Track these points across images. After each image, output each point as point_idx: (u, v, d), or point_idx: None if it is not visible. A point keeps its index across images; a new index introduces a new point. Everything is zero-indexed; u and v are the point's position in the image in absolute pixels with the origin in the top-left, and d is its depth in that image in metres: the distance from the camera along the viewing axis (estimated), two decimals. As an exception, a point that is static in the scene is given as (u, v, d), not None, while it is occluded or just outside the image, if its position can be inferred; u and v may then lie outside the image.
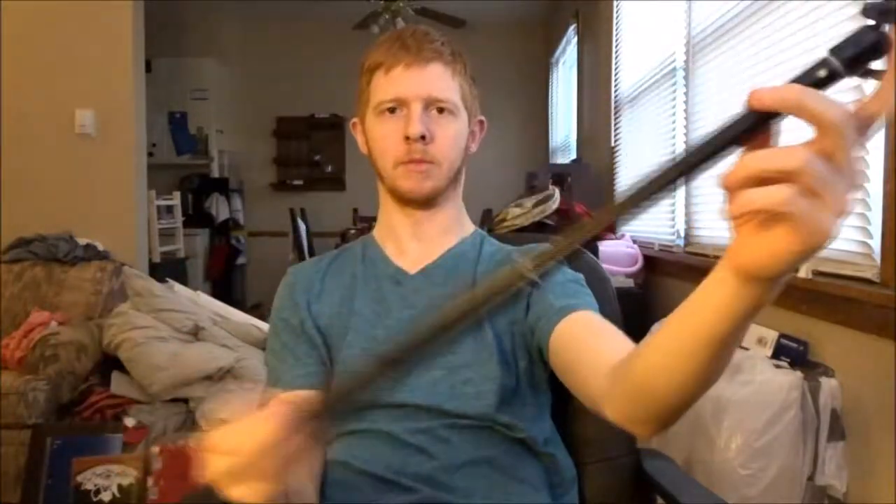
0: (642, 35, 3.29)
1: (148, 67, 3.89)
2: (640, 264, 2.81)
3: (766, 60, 1.86)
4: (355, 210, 5.82)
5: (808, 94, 0.39)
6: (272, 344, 0.97)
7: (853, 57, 0.40)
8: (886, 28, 0.39)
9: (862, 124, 0.40)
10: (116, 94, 3.33)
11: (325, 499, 0.85)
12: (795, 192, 0.39)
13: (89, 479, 2.11)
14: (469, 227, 1.03)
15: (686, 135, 2.62)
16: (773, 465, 1.41)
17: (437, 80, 0.92)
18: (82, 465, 2.13)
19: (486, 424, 0.87)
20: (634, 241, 2.93)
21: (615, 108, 3.74)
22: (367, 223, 4.90)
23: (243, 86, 6.51)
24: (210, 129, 6.15)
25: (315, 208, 6.14)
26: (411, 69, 0.91)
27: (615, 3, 3.71)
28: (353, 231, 4.95)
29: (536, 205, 2.86)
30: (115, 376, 2.45)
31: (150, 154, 3.78)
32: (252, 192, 6.65)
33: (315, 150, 6.66)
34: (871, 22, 0.39)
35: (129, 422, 2.29)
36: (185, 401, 2.41)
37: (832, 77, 0.40)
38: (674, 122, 2.73)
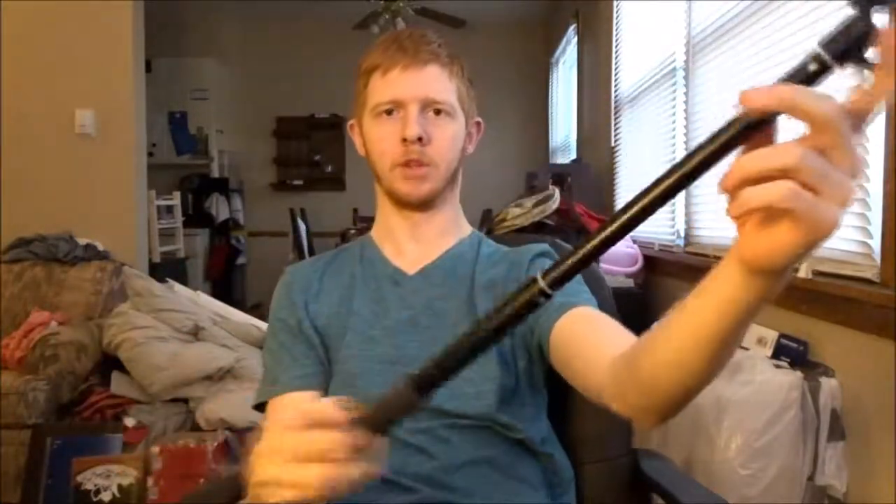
0: (642, 35, 3.29)
1: (148, 67, 3.89)
2: (640, 264, 2.81)
3: (766, 60, 1.86)
4: (355, 210, 5.82)
5: (799, 93, 0.39)
6: (269, 344, 0.97)
7: (843, 49, 0.39)
8: (875, 17, 0.39)
9: (857, 117, 0.40)
10: (116, 94, 3.33)
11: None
12: (795, 188, 0.39)
13: (89, 479, 2.11)
14: (466, 228, 1.04)
15: (686, 135, 2.62)
16: (773, 465, 1.41)
17: (434, 81, 0.92)
18: (82, 465, 2.13)
19: (486, 424, 0.87)
20: (634, 241, 2.93)
21: (615, 108, 3.74)
22: (367, 223, 4.88)
23: (243, 86, 6.51)
24: (210, 129, 6.15)
25: (315, 208, 6.15)
26: (408, 71, 0.91)
27: (615, 3, 3.71)
28: (353, 231, 4.94)
29: (536, 205, 2.86)
30: (115, 376, 2.45)
31: (150, 154, 3.78)
32: (252, 192, 6.66)
33: (315, 150, 6.66)
34: (859, 12, 0.39)
35: (129, 422, 2.29)
36: (185, 401, 2.41)
37: (823, 71, 0.40)
38: (674, 122, 2.73)
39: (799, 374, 1.46)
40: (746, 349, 1.65)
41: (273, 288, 1.02)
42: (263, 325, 2.59)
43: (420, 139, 0.90)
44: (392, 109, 0.92)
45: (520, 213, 2.85)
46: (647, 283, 2.81)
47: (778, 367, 1.51)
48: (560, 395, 1.00)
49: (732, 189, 0.41)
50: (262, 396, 0.93)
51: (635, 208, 0.44)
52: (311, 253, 4.93)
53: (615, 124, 3.74)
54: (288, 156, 6.71)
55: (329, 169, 6.66)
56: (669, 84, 2.79)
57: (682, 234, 2.60)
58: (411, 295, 0.95)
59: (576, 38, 4.87)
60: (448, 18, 5.25)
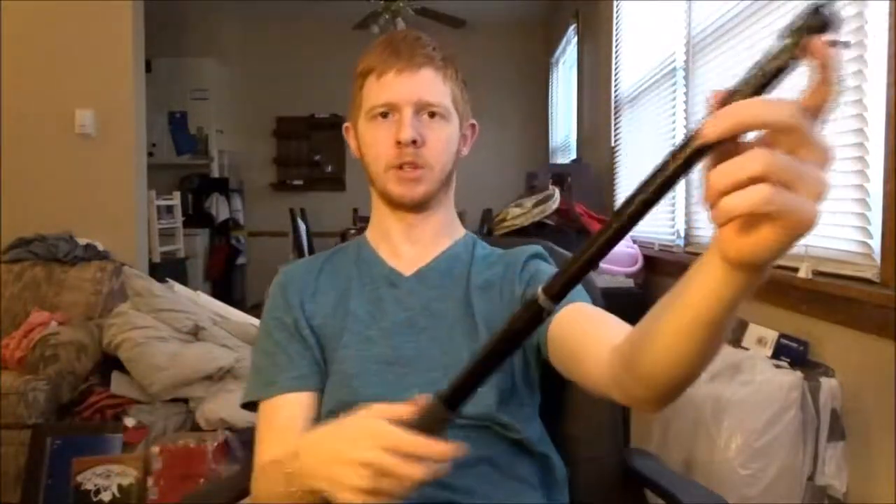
0: (642, 35, 3.29)
1: (148, 67, 3.89)
2: (640, 264, 2.81)
3: (766, 60, 1.85)
4: (355, 210, 5.82)
5: (754, 108, 0.40)
6: (263, 344, 0.97)
7: (804, 38, 0.39)
8: (832, 4, 0.39)
9: (814, 110, 0.41)
10: (116, 94, 3.33)
11: (325, 499, 0.86)
12: (771, 191, 0.39)
13: (89, 479, 2.11)
14: (461, 230, 1.05)
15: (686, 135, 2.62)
16: (773, 465, 1.41)
17: (429, 84, 0.93)
18: (82, 465, 2.13)
19: (485, 424, 0.88)
20: (634, 241, 2.93)
21: (615, 107, 3.74)
22: (366, 223, 4.85)
23: (243, 86, 6.51)
24: (210, 129, 6.15)
25: (315, 208, 6.15)
26: (403, 74, 0.92)
27: (615, 3, 3.71)
28: (352, 231, 4.94)
29: (536, 205, 2.86)
30: (115, 376, 2.45)
31: (150, 154, 3.78)
32: (252, 192, 6.66)
33: (315, 150, 6.66)
34: (818, 2, 0.39)
35: (129, 422, 2.29)
36: (185, 401, 2.41)
37: (785, 66, 0.40)
38: (674, 122, 2.73)
39: (799, 374, 1.46)
40: (746, 349, 1.65)
41: (273, 288, 1.02)
42: (263, 325, 2.59)
43: (414, 142, 0.91)
44: (387, 112, 0.92)
45: (520, 213, 2.85)
46: (647, 283, 2.81)
47: (778, 367, 1.51)
48: (551, 396, 1.01)
49: (712, 201, 0.42)
50: (253, 395, 0.93)
51: (604, 237, 0.47)
52: (311, 253, 4.92)
53: (615, 124, 3.74)
54: (288, 156, 6.71)
55: (329, 169, 6.66)
56: (669, 84, 2.79)
57: (682, 234, 2.60)
58: (408, 296, 0.96)
59: (576, 38, 4.87)
60: (448, 18, 5.25)
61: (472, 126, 1.02)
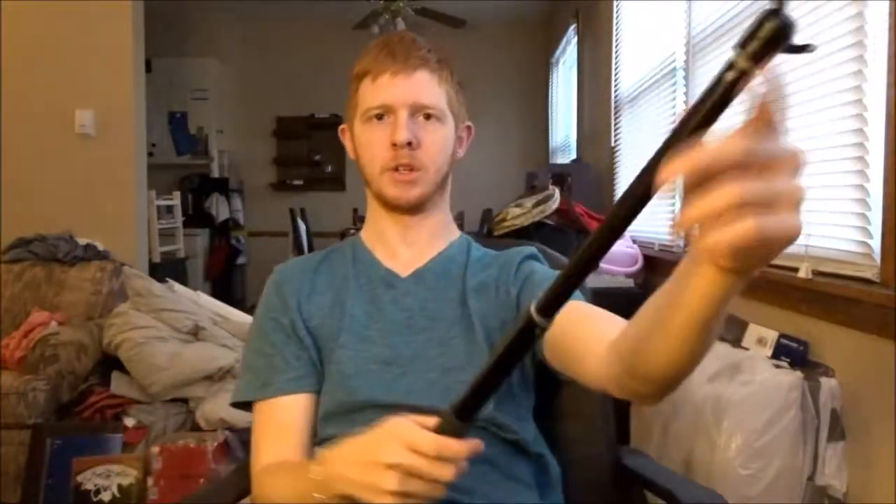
0: (642, 35, 3.29)
1: (148, 67, 3.89)
2: (640, 264, 2.81)
3: (766, 60, 1.85)
4: (355, 210, 5.83)
5: (707, 153, 0.40)
6: (259, 343, 0.96)
7: (758, 50, 0.38)
8: (786, 10, 0.38)
9: (765, 123, 0.40)
10: (116, 94, 3.33)
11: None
12: (753, 220, 0.39)
13: (89, 479, 2.11)
14: (456, 232, 1.05)
15: (686, 135, 2.61)
16: (773, 465, 1.41)
17: (424, 86, 0.93)
18: (82, 465, 2.13)
19: (482, 425, 0.88)
20: (634, 241, 2.93)
21: (615, 107, 3.74)
22: (367, 223, 4.89)
23: (243, 86, 6.51)
24: (210, 129, 6.16)
25: (315, 208, 6.15)
26: (398, 77, 0.92)
27: (615, 3, 3.71)
28: (352, 231, 4.94)
29: (536, 205, 2.86)
30: (115, 376, 2.45)
31: (150, 154, 3.78)
32: (252, 192, 6.66)
33: (315, 150, 6.66)
34: (771, 6, 0.38)
35: (129, 422, 2.29)
36: (185, 401, 2.41)
37: (742, 76, 0.39)
38: (674, 122, 2.72)
39: (799, 374, 1.46)
40: (746, 349, 1.65)
41: (273, 289, 1.02)
42: (263, 325, 2.59)
43: (410, 144, 0.91)
44: (382, 114, 0.93)
45: (520, 213, 2.85)
46: (647, 283, 2.81)
47: (778, 367, 1.51)
48: (545, 396, 1.01)
49: (691, 232, 0.43)
50: (248, 395, 0.93)
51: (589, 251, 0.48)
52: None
53: (615, 124, 3.74)
54: (288, 156, 6.71)
55: (329, 169, 6.66)
56: (669, 84, 2.79)
57: (682, 234, 2.60)
58: (405, 297, 0.96)
59: (576, 38, 4.87)
60: (448, 18, 5.24)
61: (468, 128, 1.03)
